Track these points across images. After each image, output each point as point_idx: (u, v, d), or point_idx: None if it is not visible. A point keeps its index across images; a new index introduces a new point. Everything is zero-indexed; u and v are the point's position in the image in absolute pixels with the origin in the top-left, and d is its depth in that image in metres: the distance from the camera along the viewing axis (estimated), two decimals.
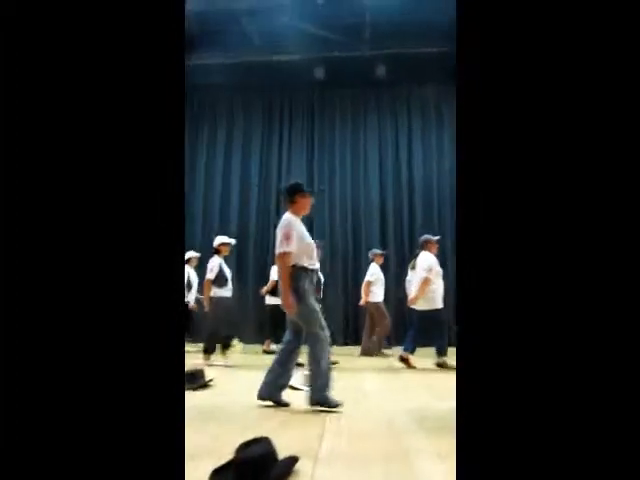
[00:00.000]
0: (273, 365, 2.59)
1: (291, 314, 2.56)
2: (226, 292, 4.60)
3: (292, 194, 2.68)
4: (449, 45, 7.06)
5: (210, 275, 4.53)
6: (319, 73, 7.51)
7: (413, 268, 4.64)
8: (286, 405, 2.53)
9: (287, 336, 2.65)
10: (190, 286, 5.95)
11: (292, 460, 1.45)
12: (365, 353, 5.53)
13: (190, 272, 6.00)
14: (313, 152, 7.73)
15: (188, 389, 3.00)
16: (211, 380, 3.18)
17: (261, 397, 2.53)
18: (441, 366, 4.25)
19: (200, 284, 5.46)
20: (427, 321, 4.34)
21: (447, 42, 7.00)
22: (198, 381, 3.09)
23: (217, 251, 4.68)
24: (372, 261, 5.76)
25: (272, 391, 2.53)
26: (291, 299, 2.51)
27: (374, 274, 5.63)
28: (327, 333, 2.55)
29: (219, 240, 4.75)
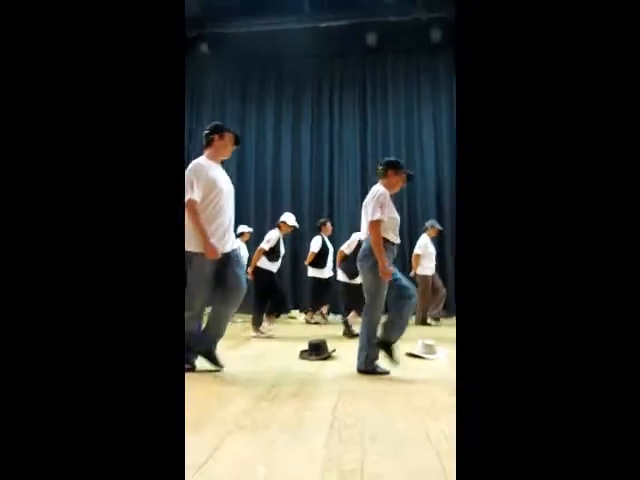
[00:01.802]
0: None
1: (387, 279, 2.62)
2: (273, 267, 4.66)
3: (385, 168, 2.78)
4: None
5: (265, 245, 4.59)
6: (371, 39, 7.30)
7: None
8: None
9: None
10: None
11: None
12: (421, 322, 5.58)
13: (242, 246, 6.08)
14: (366, 121, 7.60)
15: (316, 359, 3.08)
16: (334, 350, 3.23)
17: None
18: None
19: (250, 258, 5.63)
20: None
21: None
22: (324, 352, 3.16)
23: (278, 226, 4.77)
24: (424, 232, 5.76)
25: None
26: (387, 266, 2.59)
27: (421, 247, 5.66)
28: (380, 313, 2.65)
29: (284, 218, 4.84)
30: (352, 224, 6.66)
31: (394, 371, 2.63)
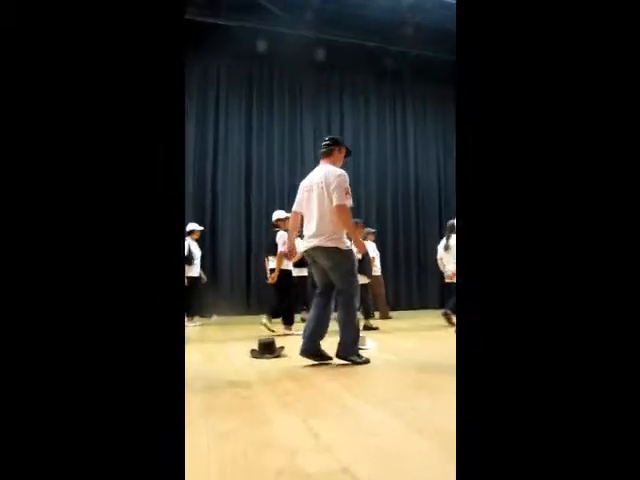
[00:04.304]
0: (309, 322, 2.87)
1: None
2: (290, 265, 4.85)
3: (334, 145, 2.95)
4: (382, 40, 7.76)
5: (283, 248, 4.68)
6: (262, 46, 7.44)
7: (447, 249, 5.35)
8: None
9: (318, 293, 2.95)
10: (192, 260, 5.73)
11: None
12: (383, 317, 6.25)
13: (192, 244, 5.78)
14: (251, 125, 7.68)
15: (270, 357, 3.12)
16: (283, 348, 3.31)
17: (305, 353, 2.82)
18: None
19: (203, 257, 5.64)
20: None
21: (377, 36, 7.68)
22: (276, 351, 3.21)
23: (276, 225, 4.87)
24: (365, 239, 6.00)
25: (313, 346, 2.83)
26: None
27: (374, 250, 6.10)
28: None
29: (277, 215, 4.96)
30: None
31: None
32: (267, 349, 3.20)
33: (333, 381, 2.34)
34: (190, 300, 5.67)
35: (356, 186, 8.05)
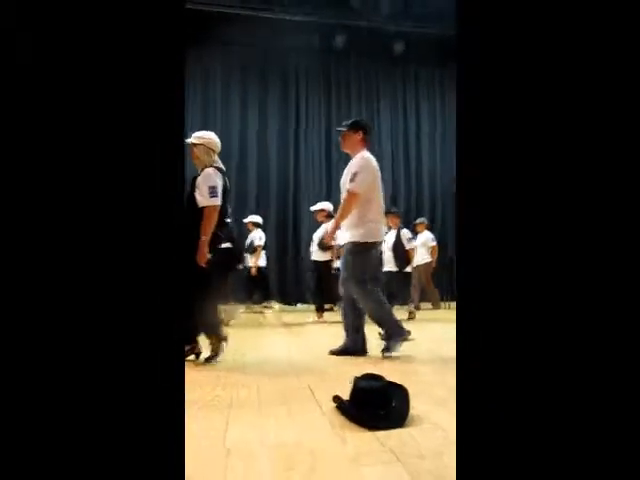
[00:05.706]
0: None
1: None
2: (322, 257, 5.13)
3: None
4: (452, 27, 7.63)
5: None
6: (338, 40, 7.55)
7: None
8: None
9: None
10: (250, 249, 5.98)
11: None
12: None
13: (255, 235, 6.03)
14: (330, 119, 7.84)
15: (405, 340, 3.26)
16: (409, 332, 3.43)
17: None
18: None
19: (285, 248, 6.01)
20: None
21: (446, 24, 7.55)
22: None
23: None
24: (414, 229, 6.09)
25: None
26: None
27: (425, 239, 6.15)
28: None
29: (316, 207, 5.20)
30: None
31: None
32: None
33: None
34: (255, 287, 6.03)
35: (432, 177, 8.06)
